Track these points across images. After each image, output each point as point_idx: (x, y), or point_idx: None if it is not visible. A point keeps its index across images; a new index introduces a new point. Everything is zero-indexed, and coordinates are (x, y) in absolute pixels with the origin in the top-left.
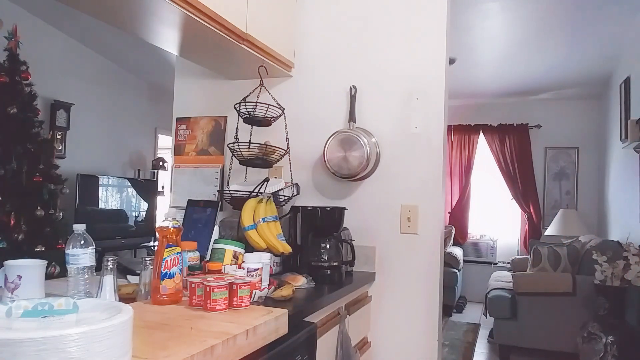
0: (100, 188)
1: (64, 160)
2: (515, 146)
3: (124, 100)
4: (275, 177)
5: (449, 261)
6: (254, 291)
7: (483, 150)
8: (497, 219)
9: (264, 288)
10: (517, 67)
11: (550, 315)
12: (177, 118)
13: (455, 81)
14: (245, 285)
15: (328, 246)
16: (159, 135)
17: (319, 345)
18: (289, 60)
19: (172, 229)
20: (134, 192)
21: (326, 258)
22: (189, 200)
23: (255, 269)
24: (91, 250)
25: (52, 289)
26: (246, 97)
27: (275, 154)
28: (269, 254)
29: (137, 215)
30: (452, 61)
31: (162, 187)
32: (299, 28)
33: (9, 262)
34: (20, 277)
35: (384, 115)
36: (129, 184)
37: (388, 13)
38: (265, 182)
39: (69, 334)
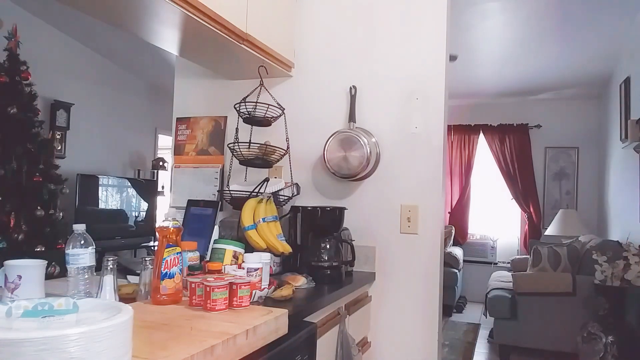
0: (100, 188)
1: (64, 160)
2: (515, 146)
3: (124, 100)
4: (275, 177)
5: (449, 261)
6: (254, 291)
7: (483, 150)
8: (497, 219)
9: (264, 288)
10: (517, 67)
11: (550, 315)
12: (177, 118)
13: (455, 81)
14: (245, 285)
15: (328, 246)
16: (159, 135)
17: (319, 345)
18: (289, 60)
19: (172, 229)
20: (134, 192)
21: (326, 258)
22: (189, 200)
23: (255, 269)
24: (91, 250)
25: (52, 289)
26: (246, 97)
27: (275, 154)
28: (269, 254)
29: (137, 215)
30: (453, 58)
31: (162, 187)
32: (299, 28)
33: (9, 262)
34: (20, 277)
35: (384, 115)
36: (129, 184)
37: (388, 13)
38: (265, 182)
39: (69, 334)
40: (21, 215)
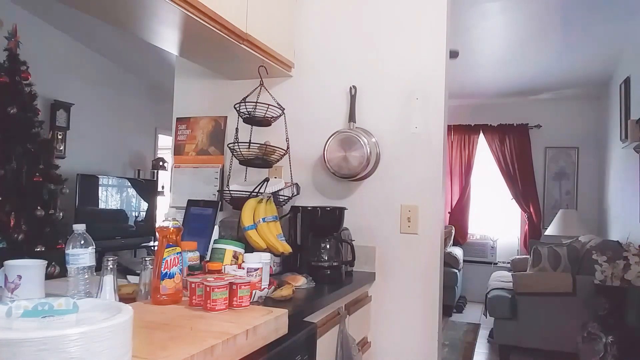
0: (100, 188)
1: (64, 160)
2: (515, 146)
3: (124, 100)
4: (275, 177)
5: (449, 261)
6: (254, 291)
7: (483, 150)
8: (497, 219)
9: (264, 288)
10: (517, 67)
11: (550, 315)
12: (177, 118)
13: (455, 81)
14: (245, 285)
15: (328, 246)
16: (159, 135)
17: (319, 345)
18: (289, 60)
19: (172, 229)
20: (134, 192)
21: (326, 258)
22: (189, 200)
23: (255, 269)
24: (91, 250)
25: (52, 289)
26: (246, 97)
27: (275, 154)
28: (269, 254)
29: (137, 215)
30: (454, 54)
31: (162, 187)
32: (299, 28)
33: (9, 262)
34: (20, 277)
35: (384, 115)
36: (129, 184)
37: (388, 13)
38: (265, 182)
39: (69, 334)
40: (21, 215)
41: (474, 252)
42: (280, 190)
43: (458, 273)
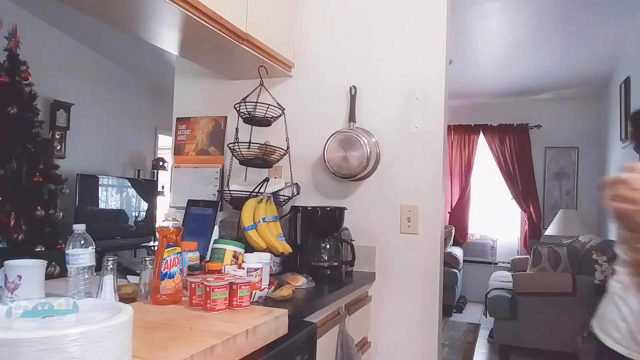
0: (100, 188)
1: (64, 160)
2: (515, 146)
3: (124, 100)
4: (275, 177)
5: (449, 261)
6: (254, 291)
7: (483, 150)
8: (497, 219)
9: (264, 288)
10: (517, 67)
11: (550, 315)
12: (177, 118)
13: (455, 81)
14: (245, 285)
15: (328, 246)
16: (159, 135)
17: (319, 345)
18: (289, 60)
19: (172, 229)
20: (134, 192)
21: (326, 258)
22: (189, 200)
23: (255, 269)
24: (91, 250)
25: (52, 289)
26: (246, 97)
27: (275, 154)
28: (269, 254)
29: (137, 215)
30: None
31: (162, 187)
32: (299, 28)
33: (9, 262)
34: (20, 277)
35: (384, 115)
36: (129, 184)
37: (388, 13)
38: (265, 182)
39: (69, 334)
40: (21, 215)
41: (474, 252)
42: (280, 190)
43: (458, 273)
